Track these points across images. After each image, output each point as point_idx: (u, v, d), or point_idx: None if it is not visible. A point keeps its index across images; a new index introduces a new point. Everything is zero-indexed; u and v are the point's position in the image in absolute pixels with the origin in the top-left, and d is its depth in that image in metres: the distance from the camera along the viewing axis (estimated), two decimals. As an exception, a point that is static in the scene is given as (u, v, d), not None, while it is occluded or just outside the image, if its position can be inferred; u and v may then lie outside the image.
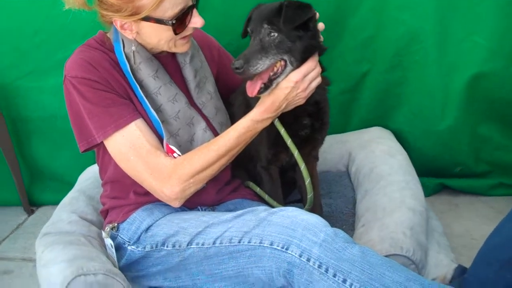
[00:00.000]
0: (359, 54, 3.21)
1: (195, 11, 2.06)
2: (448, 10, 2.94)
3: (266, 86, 2.05)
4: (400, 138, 3.20)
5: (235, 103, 2.48)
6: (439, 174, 3.40)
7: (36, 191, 3.80)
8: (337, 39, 3.15)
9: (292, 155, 2.30)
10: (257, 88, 2.03)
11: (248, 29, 2.12)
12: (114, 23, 2.08)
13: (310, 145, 2.40)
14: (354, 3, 3.09)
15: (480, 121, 3.21)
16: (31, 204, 3.78)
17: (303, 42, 2.09)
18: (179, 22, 2.02)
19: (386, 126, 3.28)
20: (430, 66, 3.07)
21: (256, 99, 2.17)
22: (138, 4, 1.96)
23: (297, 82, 2.07)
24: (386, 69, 3.20)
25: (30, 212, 3.75)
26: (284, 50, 2.05)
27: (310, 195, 2.32)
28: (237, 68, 1.96)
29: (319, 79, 2.15)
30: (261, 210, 1.98)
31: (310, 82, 2.12)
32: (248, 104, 2.31)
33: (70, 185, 3.08)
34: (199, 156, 2.09)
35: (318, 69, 2.14)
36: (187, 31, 2.10)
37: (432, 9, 2.95)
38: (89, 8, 2.09)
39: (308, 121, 2.31)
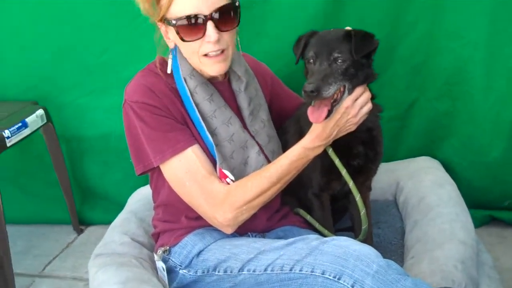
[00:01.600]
0: (408, 82, 3.20)
1: (210, 24, 2.04)
2: (498, 39, 2.92)
3: (328, 113, 2.06)
4: (448, 168, 3.15)
5: (289, 131, 2.50)
6: (487, 206, 3.35)
7: (86, 211, 3.86)
8: (387, 66, 3.15)
9: (345, 183, 2.30)
10: (324, 114, 2.03)
11: (309, 55, 2.13)
12: (160, 30, 2.17)
13: (363, 175, 2.40)
14: (403, 30, 3.09)
15: None
16: (80, 223, 3.83)
17: (364, 71, 2.12)
18: (187, 28, 2.05)
19: (434, 156, 3.24)
20: (480, 95, 3.04)
21: (309, 127, 2.18)
22: (160, 4, 2.05)
23: (348, 108, 2.07)
24: (435, 98, 3.18)
25: (80, 231, 3.80)
26: (348, 77, 2.07)
27: (364, 226, 2.30)
28: (312, 92, 1.95)
29: (369, 105, 2.15)
30: (313, 239, 1.98)
31: (361, 108, 2.11)
32: (302, 133, 2.30)
33: (119, 205, 3.13)
34: (252, 183, 2.11)
35: (367, 94, 2.13)
36: (206, 47, 2.09)
37: (482, 38, 2.93)
38: (153, 15, 2.15)
39: (362, 150, 2.32)
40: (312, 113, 2.05)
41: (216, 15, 2.05)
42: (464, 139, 3.19)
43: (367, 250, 1.85)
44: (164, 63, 2.26)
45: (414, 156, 3.26)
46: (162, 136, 2.11)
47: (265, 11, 2.99)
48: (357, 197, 2.26)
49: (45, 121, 3.36)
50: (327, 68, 2.06)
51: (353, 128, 2.16)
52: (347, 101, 2.08)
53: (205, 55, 2.11)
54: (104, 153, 3.56)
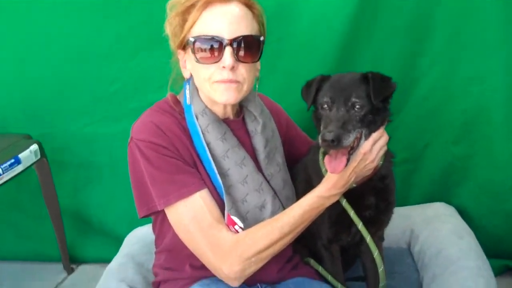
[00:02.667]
0: (423, 124, 3.14)
1: (228, 51, 1.95)
2: None
3: (346, 161, 1.93)
4: (464, 215, 3.03)
5: (296, 178, 2.38)
6: (504, 256, 3.23)
7: (78, 247, 3.72)
8: (400, 108, 3.08)
9: (355, 234, 2.22)
10: (343, 165, 1.90)
11: (324, 100, 2.01)
12: (179, 57, 2.10)
13: (374, 226, 2.25)
14: (419, 73, 3.04)
15: None
16: (72, 261, 3.68)
17: (381, 116, 2.02)
18: (203, 50, 1.97)
19: (449, 202, 3.12)
20: (499, 139, 2.98)
21: (318, 176, 2.08)
22: (184, 26, 1.99)
23: (366, 154, 1.97)
24: (452, 141, 3.12)
25: (70, 271, 3.65)
26: (366, 123, 1.96)
27: (383, 283, 2.17)
28: (332, 141, 1.82)
29: (385, 148, 2.06)
30: None
31: (378, 151, 2.01)
32: (310, 181, 2.20)
33: (117, 240, 3.07)
34: (263, 233, 1.98)
35: (385, 138, 2.04)
36: (220, 74, 1.98)
37: (502, 81, 2.88)
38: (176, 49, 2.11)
39: (373, 201, 2.19)
40: (329, 163, 1.93)
41: (237, 43, 1.95)
42: (482, 184, 3.11)
43: None
44: (175, 101, 2.14)
45: (427, 201, 3.15)
46: (168, 178, 1.97)
47: (279, 48, 2.94)
48: (375, 253, 2.13)
49: (39, 156, 3.28)
50: (345, 114, 1.94)
51: (369, 173, 2.06)
52: (365, 146, 1.97)
53: (217, 81, 2.00)
54: (110, 182, 3.49)
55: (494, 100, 2.91)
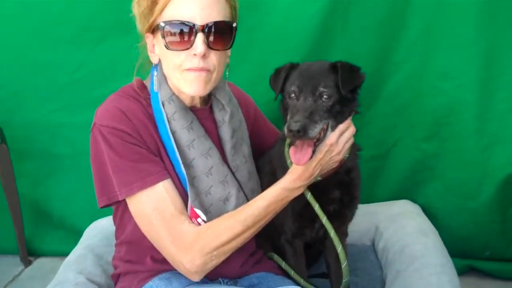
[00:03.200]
0: (393, 121, 3.15)
1: (199, 37, 1.89)
2: (492, 81, 2.89)
3: (312, 153, 1.90)
4: (429, 213, 3.05)
5: (262, 171, 2.34)
6: (467, 255, 3.25)
7: (37, 240, 3.64)
8: (370, 104, 3.09)
9: (318, 229, 2.19)
10: (308, 156, 1.87)
11: (292, 89, 1.98)
12: (147, 42, 2.02)
13: (338, 221, 2.22)
14: (390, 69, 3.05)
15: None
16: (29, 254, 3.60)
17: (349, 106, 1.99)
18: (174, 35, 1.90)
19: (414, 200, 3.14)
20: (469, 138, 3.00)
21: (283, 168, 2.04)
22: (154, 8, 1.92)
23: (332, 145, 1.94)
24: (422, 139, 3.12)
25: (27, 263, 3.56)
26: (333, 113, 1.94)
27: (346, 279, 2.14)
28: (298, 131, 1.79)
29: (352, 140, 2.03)
30: None
31: (345, 144, 1.99)
32: (275, 174, 2.17)
33: (76, 234, 3.00)
34: (225, 226, 1.93)
35: (352, 129, 2.01)
36: (190, 61, 1.93)
37: (474, 79, 2.90)
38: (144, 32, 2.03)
39: (337, 195, 2.16)
40: (294, 154, 1.89)
41: (208, 29, 1.90)
42: (449, 183, 3.13)
43: None
44: (142, 87, 2.08)
45: (393, 199, 3.16)
46: (131, 167, 1.91)
47: (251, 38, 2.92)
48: (339, 248, 2.11)
49: None
50: (312, 104, 1.91)
51: (335, 165, 2.04)
52: (332, 138, 1.94)
53: (187, 69, 1.94)
54: (75, 172, 3.41)
55: (465, 97, 2.93)
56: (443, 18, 2.86)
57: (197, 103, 2.11)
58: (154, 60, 2.05)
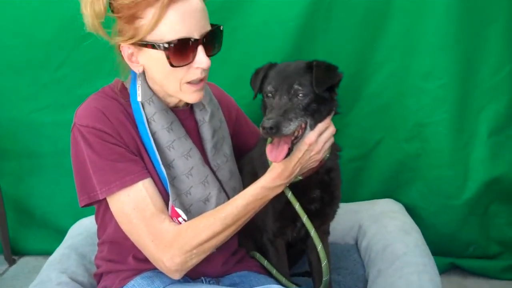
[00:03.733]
0: (374, 121, 3.14)
1: (200, 50, 1.90)
2: (471, 79, 2.91)
3: (289, 151, 1.90)
4: (412, 212, 3.04)
5: (243, 170, 2.34)
6: (449, 253, 3.26)
7: (21, 238, 3.62)
8: (352, 104, 3.09)
9: (300, 228, 2.20)
10: (284, 153, 1.87)
11: (268, 88, 1.99)
12: (122, 52, 1.96)
13: (319, 219, 2.22)
14: (371, 69, 3.04)
15: (495, 197, 3.13)
16: (13, 253, 3.58)
17: (326, 105, 2.00)
18: (177, 52, 1.87)
19: (397, 199, 3.14)
20: (451, 138, 3.00)
21: (264, 168, 2.04)
22: (137, 25, 1.85)
23: (311, 144, 1.94)
24: (404, 139, 3.12)
25: (12, 262, 3.55)
26: (310, 112, 1.95)
27: (326, 277, 2.14)
28: (271, 128, 1.79)
29: (332, 140, 2.04)
30: None
31: (324, 143, 1.99)
32: (256, 173, 2.16)
33: (60, 233, 2.98)
34: (205, 225, 1.93)
35: (332, 129, 2.01)
36: (193, 74, 1.94)
37: (456, 79, 2.91)
38: (104, 34, 1.94)
39: (318, 194, 2.17)
40: (270, 152, 1.90)
41: (206, 40, 1.91)
42: (432, 181, 3.12)
43: None
44: (122, 88, 2.08)
45: (376, 198, 3.15)
46: (110, 166, 1.92)
47: (233, 38, 2.88)
48: (319, 246, 2.11)
49: None
50: (287, 102, 1.93)
51: (315, 164, 2.04)
52: (311, 137, 1.95)
53: (189, 82, 1.95)
54: (57, 171, 3.38)
55: (447, 97, 2.93)
56: (425, 18, 2.85)
57: (181, 104, 2.11)
58: (138, 70, 2.00)
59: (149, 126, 1.99)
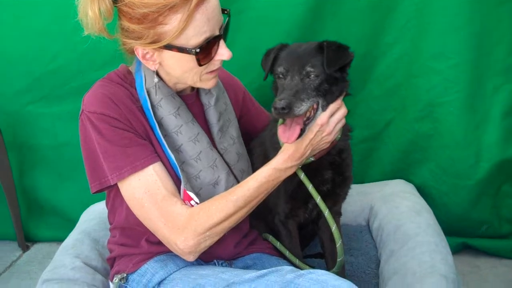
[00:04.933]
0: (385, 102, 3.14)
1: (222, 43, 1.92)
2: (483, 60, 2.88)
3: (301, 132, 1.90)
4: (424, 193, 3.06)
5: (253, 153, 2.35)
6: (461, 233, 3.26)
7: (33, 226, 3.63)
8: (362, 85, 3.09)
9: (312, 210, 2.20)
10: (296, 134, 1.88)
11: (280, 69, 1.98)
12: (135, 52, 1.94)
13: (331, 200, 2.22)
14: (381, 50, 3.03)
15: (507, 177, 3.12)
16: (27, 240, 3.60)
17: (338, 86, 1.99)
18: (204, 52, 1.88)
19: (409, 180, 3.15)
20: (463, 117, 2.99)
21: (275, 150, 2.04)
22: (160, 30, 1.82)
23: (323, 125, 1.94)
24: (415, 119, 3.10)
25: (25, 249, 3.57)
26: (322, 93, 1.94)
27: (340, 258, 2.13)
28: (283, 109, 1.79)
29: (343, 121, 2.03)
30: (287, 271, 1.79)
31: (336, 124, 1.98)
32: (267, 155, 2.17)
33: (70, 221, 2.98)
34: (217, 207, 1.92)
35: (344, 110, 2.01)
36: (214, 65, 1.96)
37: (469, 59, 2.88)
38: (109, 36, 1.94)
39: (330, 175, 2.16)
40: (283, 132, 1.90)
41: (224, 32, 1.93)
42: (444, 162, 3.11)
43: (347, 286, 1.68)
44: (127, 73, 2.08)
45: (387, 179, 3.17)
46: (120, 152, 1.91)
47: (239, 22, 2.86)
48: (333, 227, 2.10)
49: None
50: (299, 83, 1.92)
51: (326, 146, 2.03)
52: (322, 118, 1.94)
53: (210, 72, 1.98)
54: (58, 163, 3.38)
55: (459, 77, 2.91)
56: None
57: (188, 89, 2.12)
58: (154, 67, 1.98)
59: (156, 112, 1.99)
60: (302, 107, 1.85)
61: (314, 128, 1.94)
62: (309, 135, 1.94)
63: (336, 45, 1.99)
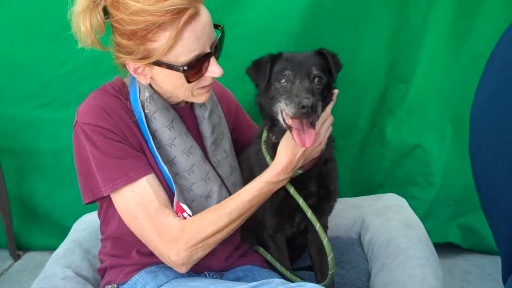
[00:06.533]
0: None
1: (213, 60, 1.92)
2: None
3: None
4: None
5: (241, 166, 2.34)
6: None
7: (25, 234, 3.61)
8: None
9: (299, 223, 2.22)
10: (313, 137, 1.87)
11: (286, 72, 1.96)
12: (127, 67, 1.95)
13: (317, 214, 2.17)
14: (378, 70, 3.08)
15: None
16: (18, 248, 3.58)
17: (329, 93, 2.01)
18: (193, 69, 1.88)
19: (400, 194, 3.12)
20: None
21: (261, 166, 2.07)
22: (149, 47, 1.83)
23: (316, 134, 1.94)
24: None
25: (17, 258, 3.55)
26: (322, 98, 1.95)
27: (332, 271, 2.12)
28: (312, 107, 1.78)
29: (331, 129, 2.04)
30: (277, 284, 1.79)
31: (325, 133, 2.00)
32: (252, 171, 2.18)
33: (63, 229, 2.98)
34: (209, 220, 1.93)
35: (331, 118, 2.03)
36: (205, 81, 1.97)
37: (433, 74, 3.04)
38: (102, 48, 1.95)
39: (315, 188, 2.16)
40: (298, 136, 1.87)
41: (215, 49, 1.93)
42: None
43: None
44: (121, 85, 2.09)
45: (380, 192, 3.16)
46: (114, 163, 1.92)
47: (235, 35, 2.82)
48: (325, 240, 2.10)
49: None
50: (310, 85, 1.91)
51: (317, 155, 2.04)
52: (317, 127, 1.94)
53: (201, 88, 1.98)
54: (57, 169, 3.38)
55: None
56: (432, 14, 2.90)
57: (182, 102, 2.13)
58: (145, 82, 1.99)
59: (149, 124, 2.00)
60: (319, 109, 1.86)
61: None
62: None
63: (331, 53, 2.02)
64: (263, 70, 2.04)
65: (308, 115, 1.81)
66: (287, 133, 1.96)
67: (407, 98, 3.09)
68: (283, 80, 1.96)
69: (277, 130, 2.06)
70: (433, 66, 2.97)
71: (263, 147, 2.11)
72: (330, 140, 2.17)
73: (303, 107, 1.77)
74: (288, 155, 1.94)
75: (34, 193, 3.50)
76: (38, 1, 3.02)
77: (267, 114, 2.06)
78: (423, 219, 2.88)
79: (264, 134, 2.13)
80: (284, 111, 1.89)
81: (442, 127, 3.08)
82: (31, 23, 3.07)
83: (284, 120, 1.93)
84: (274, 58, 2.05)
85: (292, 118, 1.86)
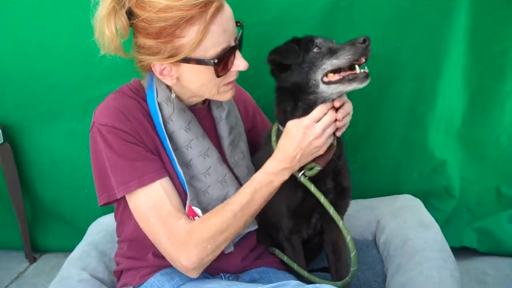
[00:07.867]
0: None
1: (238, 53, 1.93)
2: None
3: None
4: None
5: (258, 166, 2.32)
6: None
7: (40, 236, 3.61)
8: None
9: (315, 224, 2.21)
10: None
11: (318, 41, 2.02)
12: (153, 69, 1.95)
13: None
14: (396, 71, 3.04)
15: None
16: (34, 250, 3.59)
17: None
18: (221, 63, 1.88)
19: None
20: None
21: None
22: (177, 44, 1.83)
23: (308, 128, 1.91)
24: None
25: (33, 260, 3.57)
26: None
27: (354, 268, 2.09)
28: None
29: (333, 126, 1.96)
30: (294, 285, 1.79)
31: (324, 129, 1.93)
32: None
33: (78, 231, 2.98)
34: (215, 218, 1.93)
35: (332, 114, 1.95)
36: (231, 76, 1.97)
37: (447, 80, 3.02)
38: (124, 54, 1.96)
39: (331, 185, 2.14)
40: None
41: (239, 43, 1.95)
42: None
43: None
44: (139, 86, 2.09)
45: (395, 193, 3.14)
46: (129, 165, 1.92)
47: (247, 39, 2.79)
48: (348, 238, 2.05)
49: (2, 140, 3.19)
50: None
51: (320, 152, 1.98)
52: (306, 120, 1.92)
53: (227, 83, 1.99)
54: (57, 180, 3.34)
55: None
56: (450, 18, 2.86)
57: (199, 103, 2.13)
58: (171, 83, 1.99)
59: (166, 126, 2.00)
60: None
61: (299, 130, 1.92)
62: (296, 137, 1.92)
63: None
64: (291, 49, 2.04)
65: (367, 51, 1.85)
66: (289, 122, 1.96)
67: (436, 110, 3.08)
68: (316, 49, 1.99)
69: (301, 108, 2.01)
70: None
71: (273, 139, 2.10)
72: (341, 136, 2.13)
73: (365, 40, 1.83)
74: (283, 146, 1.94)
75: (43, 199, 3.48)
76: (27, 9, 2.92)
77: (292, 95, 2.03)
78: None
79: (275, 128, 2.12)
80: (333, 66, 1.91)
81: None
82: (17, 33, 2.99)
83: (330, 82, 1.93)
84: (295, 39, 2.07)
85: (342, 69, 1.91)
